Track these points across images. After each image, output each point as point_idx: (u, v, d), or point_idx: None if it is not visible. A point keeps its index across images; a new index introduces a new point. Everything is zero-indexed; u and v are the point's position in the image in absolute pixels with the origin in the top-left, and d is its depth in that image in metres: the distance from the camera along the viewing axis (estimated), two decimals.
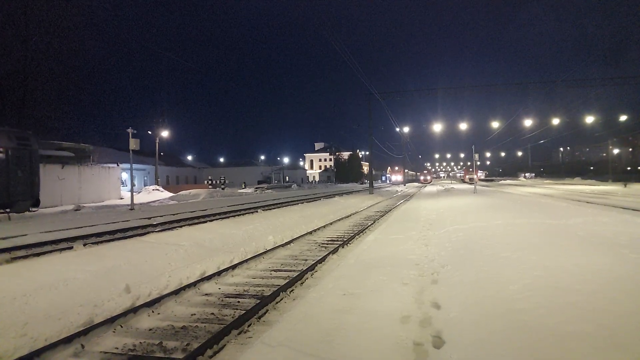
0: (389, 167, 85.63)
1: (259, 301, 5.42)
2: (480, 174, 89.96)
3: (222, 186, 39.80)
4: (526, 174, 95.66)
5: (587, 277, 4.57)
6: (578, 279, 4.51)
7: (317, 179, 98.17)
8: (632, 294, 3.98)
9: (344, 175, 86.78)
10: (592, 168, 76.26)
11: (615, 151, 61.00)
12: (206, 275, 6.87)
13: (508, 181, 72.26)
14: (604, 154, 73.64)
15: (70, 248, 8.50)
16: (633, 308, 3.59)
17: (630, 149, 58.82)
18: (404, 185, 64.52)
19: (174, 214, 16.16)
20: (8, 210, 14.75)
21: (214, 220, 13.61)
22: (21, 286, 5.58)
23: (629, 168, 53.44)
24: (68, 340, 4.14)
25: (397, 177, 78.81)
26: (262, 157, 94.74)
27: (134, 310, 5.04)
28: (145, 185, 40.42)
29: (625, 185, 33.97)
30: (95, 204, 25.15)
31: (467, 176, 73.38)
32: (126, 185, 35.01)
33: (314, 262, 7.76)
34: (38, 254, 8.02)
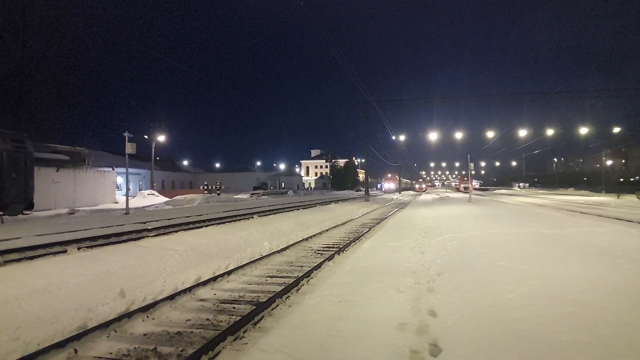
0: (385, 175, 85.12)
1: (254, 307, 5.39)
2: (475, 183, 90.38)
3: (218, 191, 39.66)
4: (520, 184, 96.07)
5: (584, 286, 4.59)
6: (574, 288, 4.53)
7: (312, 185, 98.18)
8: (628, 304, 4.00)
9: (339, 182, 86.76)
10: (585, 179, 76.83)
11: (609, 162, 61.57)
12: (202, 280, 6.83)
13: (502, 191, 72.62)
14: (598, 165, 74.26)
15: (64, 252, 8.43)
16: (630, 318, 3.60)
17: (623, 161, 59.37)
18: (399, 193, 64.64)
19: (169, 219, 16.08)
20: (1, 212, 14.62)
21: (209, 225, 13.55)
22: (14, 290, 5.51)
23: (621, 179, 53.86)
24: (61, 344, 4.08)
25: (390, 185, 76.16)
26: (258, 163, 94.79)
27: (128, 315, 4.99)
28: (140, 190, 40.27)
29: (619, 197, 34.24)
30: (89, 207, 24.98)
31: (462, 185, 73.67)
32: (121, 190, 34.83)
33: (310, 268, 7.73)
34: (31, 258, 7.95)
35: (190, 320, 5.14)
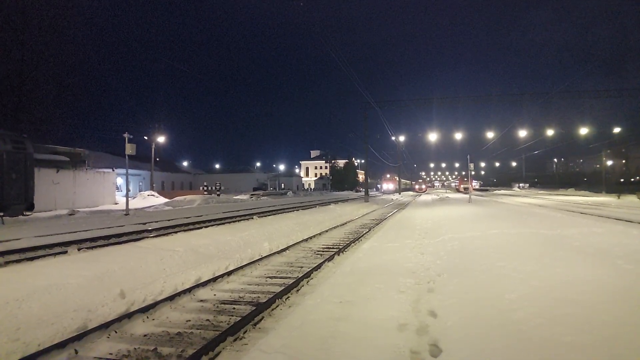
0: (384, 176, 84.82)
1: (254, 308, 5.39)
2: (475, 184, 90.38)
3: (218, 192, 39.65)
4: (520, 184, 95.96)
5: (584, 287, 4.60)
6: (575, 289, 4.53)
7: (312, 186, 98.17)
8: (629, 305, 4.00)
9: (339, 183, 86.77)
10: (585, 179, 76.77)
11: (609, 163, 61.59)
12: (201, 281, 6.83)
13: (502, 191, 72.54)
14: (598, 166, 74.33)
15: (65, 253, 8.44)
16: (630, 319, 3.60)
17: (624, 161, 59.44)
18: (399, 193, 64.62)
19: (169, 220, 16.08)
20: (2, 214, 14.61)
21: (209, 226, 13.56)
22: (14, 291, 5.51)
23: (622, 180, 53.89)
24: (61, 345, 4.08)
25: (390, 186, 75.08)
26: (258, 164, 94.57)
27: (128, 315, 4.99)
28: (140, 191, 40.24)
29: (619, 197, 34.21)
30: (89, 208, 24.97)
31: (461, 185, 73.68)
32: (121, 191, 34.81)
33: (309, 269, 7.73)
34: (31, 259, 7.95)
35: (190, 320, 5.14)
